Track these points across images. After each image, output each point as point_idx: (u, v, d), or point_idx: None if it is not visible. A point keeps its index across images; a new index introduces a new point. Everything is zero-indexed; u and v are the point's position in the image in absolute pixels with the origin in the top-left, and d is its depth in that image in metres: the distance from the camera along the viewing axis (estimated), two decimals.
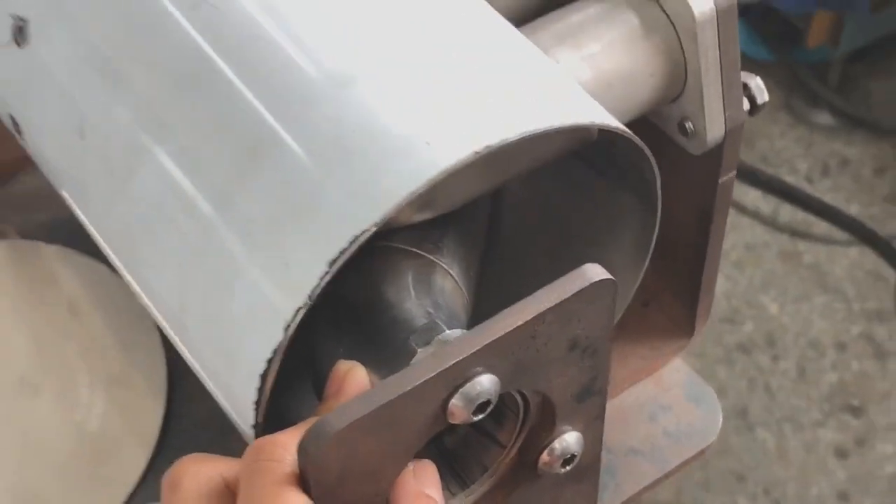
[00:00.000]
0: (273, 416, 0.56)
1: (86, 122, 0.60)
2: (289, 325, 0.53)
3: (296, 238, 0.53)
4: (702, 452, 0.73)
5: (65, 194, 0.66)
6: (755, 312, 1.89)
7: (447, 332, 0.57)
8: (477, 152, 0.52)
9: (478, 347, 0.51)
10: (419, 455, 0.56)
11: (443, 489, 0.58)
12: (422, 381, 0.50)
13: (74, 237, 0.82)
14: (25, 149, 0.69)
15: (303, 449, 0.50)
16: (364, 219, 0.52)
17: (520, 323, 0.52)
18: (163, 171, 0.58)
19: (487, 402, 0.52)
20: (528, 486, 0.61)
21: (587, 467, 0.63)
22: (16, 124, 0.66)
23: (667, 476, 0.73)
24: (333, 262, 0.52)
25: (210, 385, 0.60)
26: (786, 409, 1.80)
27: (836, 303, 1.91)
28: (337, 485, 0.51)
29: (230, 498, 0.53)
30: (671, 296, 0.75)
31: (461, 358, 0.51)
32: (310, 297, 0.52)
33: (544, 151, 0.61)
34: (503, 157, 0.59)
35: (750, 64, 2.14)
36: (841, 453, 1.76)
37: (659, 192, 0.60)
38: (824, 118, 2.11)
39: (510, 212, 0.68)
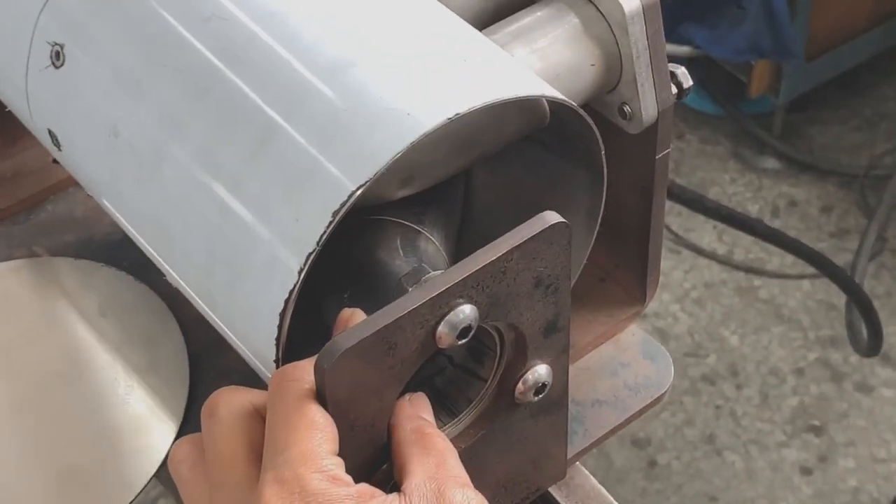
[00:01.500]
0: None
1: (118, 123, 0.71)
2: (301, 269, 0.63)
3: (303, 198, 0.64)
4: (657, 399, 0.84)
5: (105, 203, 0.76)
6: (717, 345, 2.01)
7: (432, 272, 0.69)
8: (449, 118, 0.63)
9: (459, 279, 0.62)
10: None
11: (435, 420, 0.68)
12: (414, 306, 0.61)
13: (98, 254, 0.93)
14: (62, 163, 0.80)
15: (318, 367, 0.60)
16: (360, 175, 0.62)
17: (492, 259, 0.63)
18: (184, 164, 0.69)
19: (469, 328, 0.63)
20: (507, 416, 0.72)
21: (557, 400, 0.74)
22: (55, 138, 0.77)
23: (628, 421, 0.83)
24: (336, 212, 0.63)
25: (235, 340, 0.70)
26: (751, 432, 1.91)
27: (793, 332, 2.02)
28: (348, 399, 0.61)
29: (259, 420, 0.63)
30: (624, 270, 0.86)
31: (445, 287, 0.62)
32: (318, 242, 0.63)
33: (505, 132, 0.72)
34: (471, 135, 0.71)
35: (699, 118, 2.28)
36: (805, 470, 1.86)
37: (604, 158, 0.72)
38: (771, 163, 2.24)
39: (480, 192, 0.80)
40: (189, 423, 0.83)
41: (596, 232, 0.77)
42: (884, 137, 2.25)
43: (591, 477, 0.81)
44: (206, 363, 0.87)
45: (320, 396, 0.61)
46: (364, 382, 0.62)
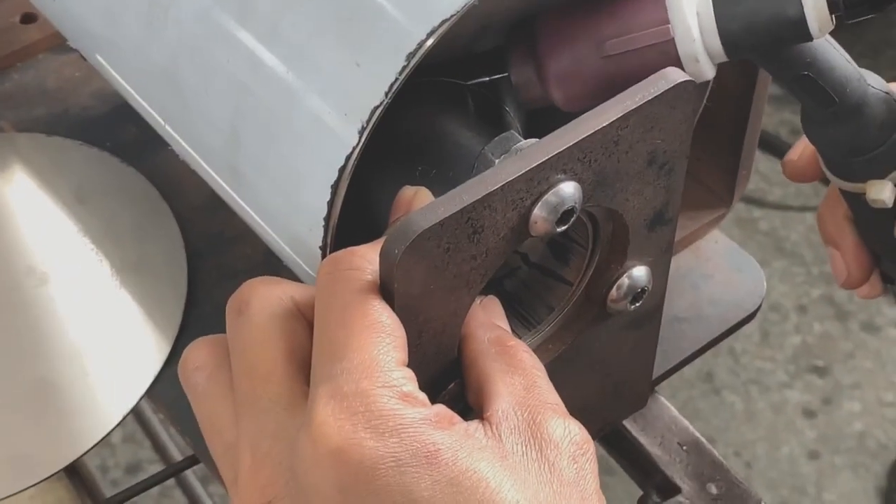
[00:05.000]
0: None
1: None
2: (364, 128, 0.49)
3: (366, 36, 0.50)
4: (748, 317, 0.71)
5: (98, 58, 0.62)
6: None
7: (524, 140, 0.55)
8: None
9: (564, 147, 0.49)
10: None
11: None
12: (508, 179, 0.48)
13: (74, 131, 0.78)
14: (42, 8, 0.65)
15: (386, 252, 0.47)
16: (445, 8, 0.49)
17: (604, 124, 0.50)
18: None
19: (571, 212, 0.50)
20: (593, 329, 0.59)
21: (651, 311, 0.61)
22: None
23: (714, 342, 0.70)
24: (412, 54, 0.49)
25: (263, 225, 0.56)
26: (751, 371, 1.79)
27: (795, 267, 1.90)
28: (419, 297, 0.48)
29: (302, 321, 0.50)
30: (709, 165, 0.73)
31: (547, 157, 0.49)
32: (387, 93, 0.49)
33: None
34: None
35: None
36: (808, 413, 1.75)
37: None
38: (772, 89, 2.11)
39: None
40: (187, 332, 0.70)
41: (700, 110, 0.63)
42: (888, 65, 2.13)
43: (671, 407, 0.68)
44: (207, 261, 0.72)
45: (385, 291, 0.47)
46: (440, 276, 0.49)
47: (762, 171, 1.97)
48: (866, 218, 0.66)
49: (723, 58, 0.56)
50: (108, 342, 0.69)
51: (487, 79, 0.59)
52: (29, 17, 0.84)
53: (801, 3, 0.54)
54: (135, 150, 0.76)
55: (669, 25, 0.55)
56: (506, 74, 0.58)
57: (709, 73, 0.57)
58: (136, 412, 0.68)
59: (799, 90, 0.59)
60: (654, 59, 0.55)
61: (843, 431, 1.73)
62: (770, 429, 1.73)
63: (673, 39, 0.55)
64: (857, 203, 0.64)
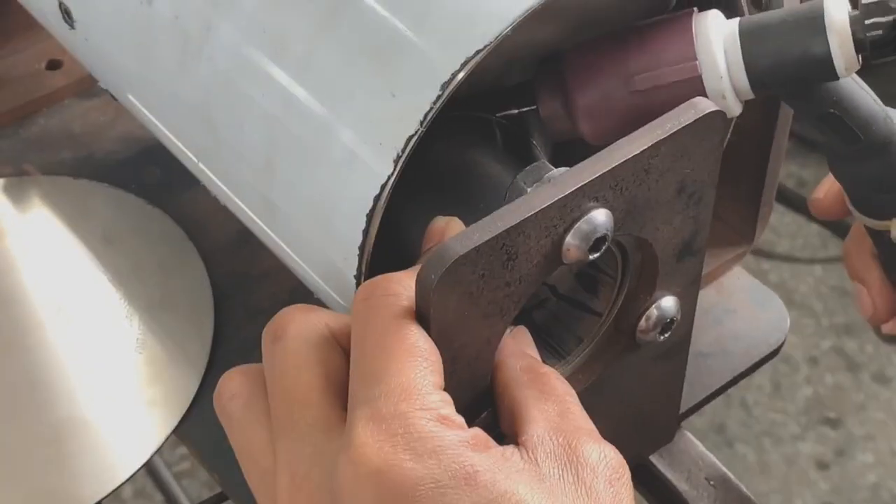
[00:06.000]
0: None
1: None
2: (399, 157, 0.50)
3: (400, 67, 0.51)
4: (773, 353, 0.71)
5: (129, 98, 0.63)
6: None
7: (555, 170, 0.55)
8: None
9: (597, 175, 0.50)
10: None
11: None
12: (542, 206, 0.48)
13: (100, 174, 0.79)
14: (71, 48, 0.66)
15: (422, 278, 0.47)
16: (477, 39, 0.50)
17: (636, 152, 0.51)
18: (239, 35, 0.56)
19: (603, 239, 0.50)
20: (623, 360, 0.59)
21: (679, 343, 0.61)
22: (67, 13, 0.63)
23: (739, 377, 0.71)
24: (446, 84, 0.49)
25: (294, 258, 0.57)
26: (764, 423, 1.79)
27: (805, 318, 1.90)
28: (455, 323, 0.49)
29: (338, 348, 0.50)
30: (729, 203, 0.74)
31: (581, 185, 0.49)
32: (422, 122, 0.49)
33: (628, 9, 0.59)
34: (595, 7, 0.58)
35: None
36: (822, 465, 1.75)
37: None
38: None
39: None
40: (215, 370, 0.70)
41: (725, 142, 0.64)
42: None
43: (698, 443, 0.68)
44: (233, 300, 0.73)
45: (421, 317, 0.48)
46: (475, 303, 0.49)
47: (770, 223, 1.97)
48: (891, 255, 0.66)
49: (749, 95, 0.57)
50: (135, 380, 0.69)
51: (516, 111, 0.59)
52: (54, 64, 0.85)
53: (828, 43, 0.55)
54: (160, 192, 0.77)
55: (697, 62, 0.56)
56: (533, 108, 0.59)
57: (735, 109, 0.58)
58: (147, 465, 0.67)
59: (824, 127, 0.59)
60: (681, 94, 0.56)
61: (856, 483, 1.72)
62: (783, 481, 1.73)
63: (700, 76, 0.56)
64: (881, 240, 0.65)
